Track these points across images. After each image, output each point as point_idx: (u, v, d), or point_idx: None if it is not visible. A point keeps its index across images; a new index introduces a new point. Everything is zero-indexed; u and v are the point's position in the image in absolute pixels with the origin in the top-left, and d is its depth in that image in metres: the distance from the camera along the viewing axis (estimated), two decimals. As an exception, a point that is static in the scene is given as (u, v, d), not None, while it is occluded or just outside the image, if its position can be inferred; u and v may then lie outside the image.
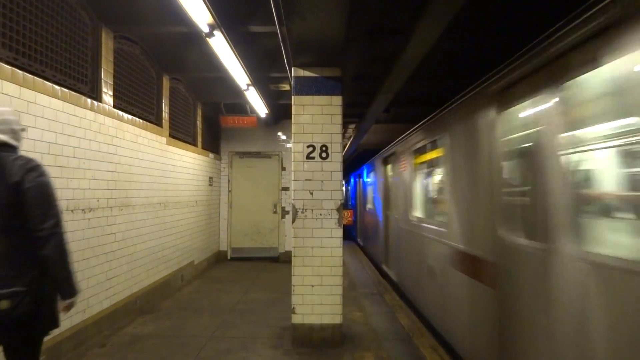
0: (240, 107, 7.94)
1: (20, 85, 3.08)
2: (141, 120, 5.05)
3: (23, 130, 2.32)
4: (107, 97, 4.29)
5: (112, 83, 4.38)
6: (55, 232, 2.06)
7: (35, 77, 3.26)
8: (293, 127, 4.04)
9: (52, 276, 2.09)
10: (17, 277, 2.00)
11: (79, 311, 3.80)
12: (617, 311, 1.84)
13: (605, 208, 2.18)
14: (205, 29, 3.71)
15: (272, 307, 5.26)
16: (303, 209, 4.01)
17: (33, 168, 2.08)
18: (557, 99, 2.29)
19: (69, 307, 2.17)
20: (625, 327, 1.79)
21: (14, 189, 2.01)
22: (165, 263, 5.84)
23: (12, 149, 2.12)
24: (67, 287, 2.13)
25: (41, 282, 2.06)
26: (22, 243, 2.04)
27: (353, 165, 16.55)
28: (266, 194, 8.85)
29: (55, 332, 3.41)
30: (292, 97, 4.05)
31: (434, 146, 4.56)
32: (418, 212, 5.29)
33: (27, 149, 3.13)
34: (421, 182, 5.36)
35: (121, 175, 4.54)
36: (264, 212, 8.83)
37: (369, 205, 10.12)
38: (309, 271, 3.99)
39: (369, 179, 10.58)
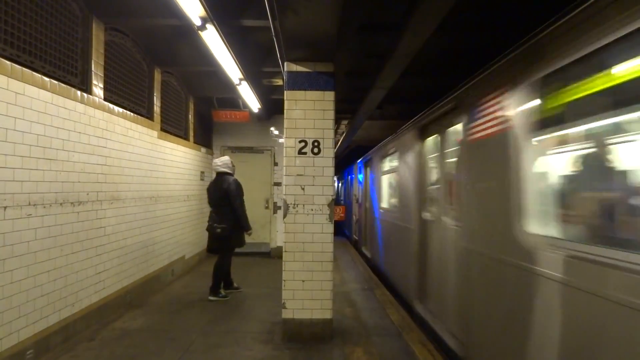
0: (232, 101, 7.90)
1: (8, 76, 3.03)
2: (132, 114, 5.00)
3: (234, 165, 5.67)
4: (98, 89, 4.24)
5: (102, 75, 4.33)
6: (239, 207, 5.34)
7: (24, 68, 3.21)
8: (285, 122, 4.03)
9: (239, 221, 5.36)
10: (223, 221, 5.28)
11: (67, 305, 3.78)
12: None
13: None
14: (198, 22, 3.68)
15: (263, 302, 5.27)
16: (294, 204, 4.01)
17: (231, 183, 5.34)
18: (440, 139, 4.26)
19: (249, 234, 5.55)
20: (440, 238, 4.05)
21: (225, 191, 5.29)
22: (156, 257, 5.81)
23: (229, 175, 5.49)
24: (246, 226, 5.44)
25: (230, 224, 5.29)
26: (226, 210, 5.30)
27: (346, 159, 16.55)
28: (258, 189, 8.83)
29: (42, 326, 3.41)
30: (285, 91, 4.03)
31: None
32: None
33: (15, 141, 3.10)
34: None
35: (111, 169, 4.50)
36: (256, 207, 8.80)
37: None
38: (300, 266, 3.99)
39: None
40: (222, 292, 5.45)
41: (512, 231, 2.51)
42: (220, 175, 5.49)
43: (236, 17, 4.30)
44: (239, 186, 5.42)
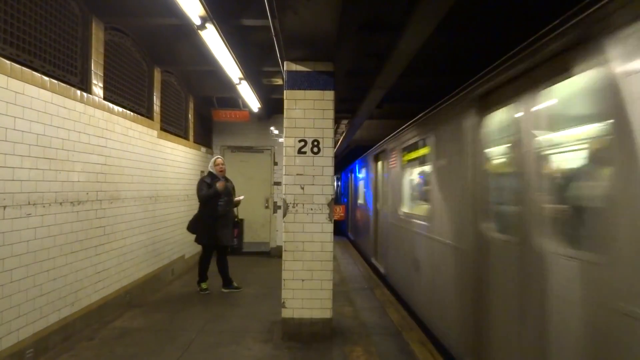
0: (232, 101, 7.89)
1: (8, 76, 3.03)
2: (132, 113, 5.00)
3: (218, 164, 5.85)
4: (97, 89, 4.24)
5: (102, 75, 4.32)
6: (200, 199, 5.62)
7: (24, 68, 3.20)
8: (285, 121, 4.03)
9: (201, 217, 5.69)
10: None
11: (67, 304, 3.78)
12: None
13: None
14: (197, 22, 3.68)
15: (263, 301, 5.28)
16: (294, 204, 4.01)
17: (199, 181, 5.75)
18: (382, 164, 7.58)
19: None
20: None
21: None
22: (156, 257, 5.82)
23: (212, 174, 5.74)
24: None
25: (193, 219, 5.85)
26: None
27: (344, 160, 16.54)
28: (258, 188, 8.83)
29: (42, 326, 3.41)
30: (285, 91, 4.03)
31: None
32: None
33: (15, 140, 3.10)
34: None
35: (111, 168, 4.50)
36: (256, 206, 8.81)
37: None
38: (300, 266, 3.99)
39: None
40: (203, 285, 5.76)
41: (397, 211, 5.74)
42: None
43: (236, 16, 4.29)
44: (200, 183, 5.68)
